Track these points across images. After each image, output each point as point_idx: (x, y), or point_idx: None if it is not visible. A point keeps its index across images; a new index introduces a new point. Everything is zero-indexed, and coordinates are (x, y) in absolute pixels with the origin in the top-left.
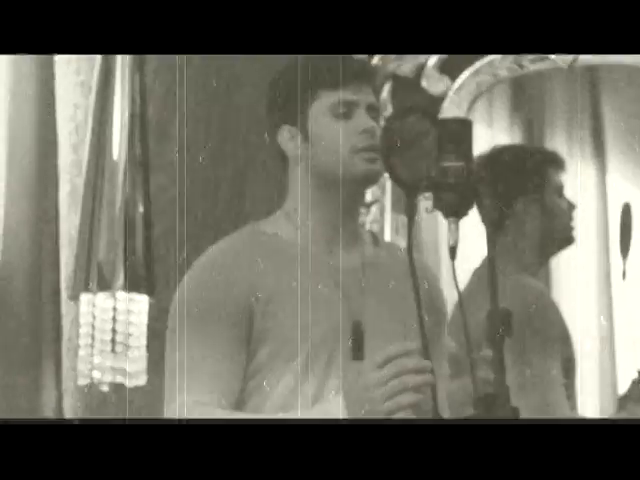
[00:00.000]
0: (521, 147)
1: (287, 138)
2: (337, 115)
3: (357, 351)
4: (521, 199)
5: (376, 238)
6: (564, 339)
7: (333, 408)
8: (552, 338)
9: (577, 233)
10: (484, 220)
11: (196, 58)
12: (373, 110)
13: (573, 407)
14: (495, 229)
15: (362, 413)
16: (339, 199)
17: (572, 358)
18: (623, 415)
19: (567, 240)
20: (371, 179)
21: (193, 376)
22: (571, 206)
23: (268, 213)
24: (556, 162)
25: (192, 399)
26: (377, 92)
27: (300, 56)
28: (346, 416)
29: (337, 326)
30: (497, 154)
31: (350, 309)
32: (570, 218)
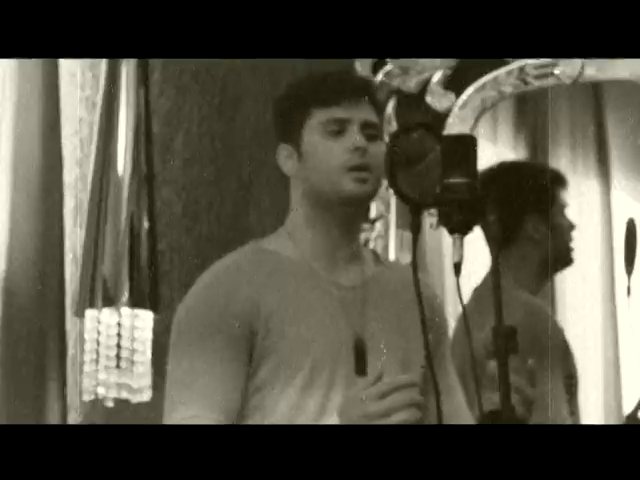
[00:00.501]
0: (528, 164)
1: (284, 156)
2: (329, 133)
3: (360, 367)
4: (531, 217)
5: (377, 256)
6: (565, 356)
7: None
8: (553, 355)
9: (575, 254)
10: (488, 238)
11: (202, 73)
12: (369, 127)
13: (576, 423)
14: (499, 246)
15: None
16: (335, 218)
17: (574, 374)
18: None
19: (566, 261)
20: (361, 199)
21: (193, 391)
22: (571, 226)
23: (273, 229)
24: (561, 181)
25: (191, 413)
26: (380, 108)
27: (301, 71)
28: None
29: (338, 342)
30: (503, 171)
31: (352, 326)
32: (570, 238)
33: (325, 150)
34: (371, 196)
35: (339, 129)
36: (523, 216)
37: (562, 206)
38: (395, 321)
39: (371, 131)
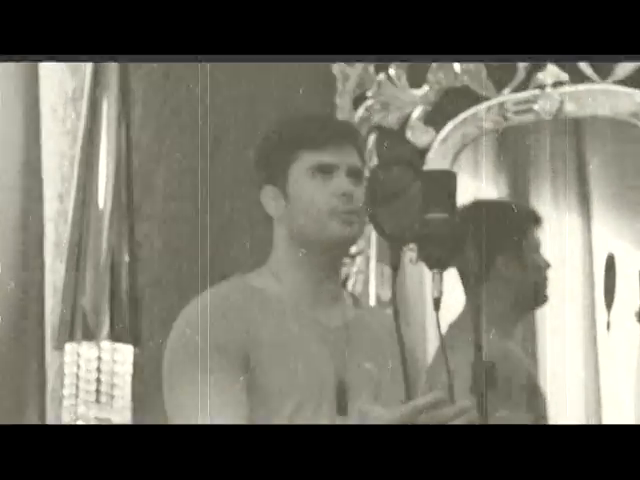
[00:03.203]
0: (500, 203)
1: (270, 198)
2: (316, 177)
3: (341, 407)
4: (501, 257)
5: (356, 300)
6: (535, 398)
7: None
8: (520, 397)
9: (553, 291)
10: (466, 274)
11: (183, 108)
12: (354, 173)
13: None
14: (478, 281)
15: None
16: (319, 259)
17: (544, 416)
18: None
19: (540, 300)
20: (347, 241)
21: (204, 411)
22: (546, 265)
23: (254, 265)
24: (535, 219)
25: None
26: (363, 152)
27: (284, 118)
28: None
29: (322, 382)
30: (478, 208)
31: (335, 366)
32: (545, 277)
33: (312, 193)
34: (356, 238)
35: (326, 173)
36: (494, 254)
37: (536, 245)
38: (375, 363)
39: (356, 176)
